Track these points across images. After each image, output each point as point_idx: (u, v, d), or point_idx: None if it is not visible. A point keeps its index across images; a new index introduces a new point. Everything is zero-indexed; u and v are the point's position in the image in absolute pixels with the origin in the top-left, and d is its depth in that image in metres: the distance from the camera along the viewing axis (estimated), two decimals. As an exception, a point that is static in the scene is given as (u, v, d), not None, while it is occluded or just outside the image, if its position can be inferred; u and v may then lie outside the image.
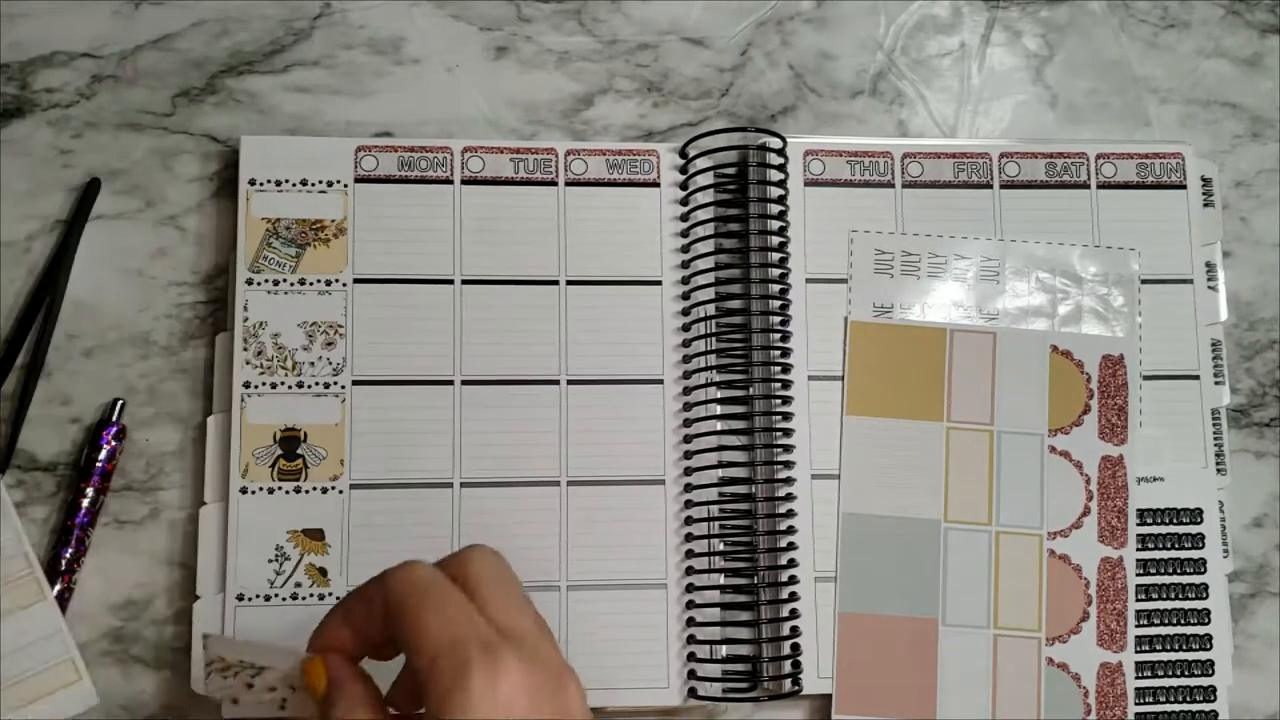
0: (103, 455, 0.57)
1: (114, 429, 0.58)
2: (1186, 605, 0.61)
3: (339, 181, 0.60)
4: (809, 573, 0.59)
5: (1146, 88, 0.67)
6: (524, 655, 0.43)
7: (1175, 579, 0.61)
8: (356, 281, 0.59)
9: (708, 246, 0.61)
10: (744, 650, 0.58)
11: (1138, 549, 0.61)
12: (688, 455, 0.59)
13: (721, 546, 0.59)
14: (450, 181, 0.61)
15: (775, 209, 0.61)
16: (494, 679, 0.42)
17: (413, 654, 0.44)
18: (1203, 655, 0.60)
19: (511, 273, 0.60)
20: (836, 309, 0.62)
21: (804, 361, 0.61)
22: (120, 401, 0.59)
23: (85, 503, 0.57)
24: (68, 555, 0.57)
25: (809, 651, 0.59)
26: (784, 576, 0.59)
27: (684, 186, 0.62)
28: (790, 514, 0.59)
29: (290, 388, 0.58)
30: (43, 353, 0.59)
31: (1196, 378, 0.63)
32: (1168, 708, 0.60)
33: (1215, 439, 0.62)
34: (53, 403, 0.59)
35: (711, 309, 0.60)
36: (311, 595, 0.57)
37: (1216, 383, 0.63)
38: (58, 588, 0.56)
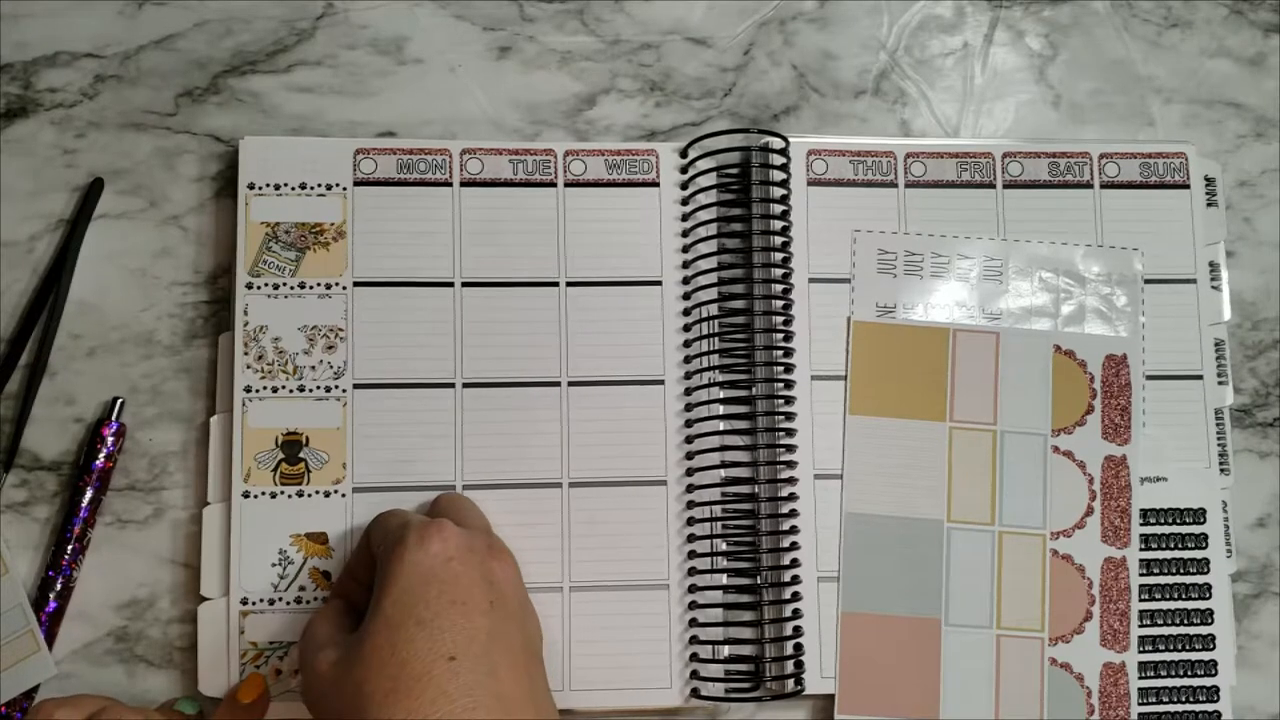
0: (102, 453, 0.58)
1: (114, 427, 0.58)
2: (1189, 605, 0.61)
3: (338, 185, 0.60)
4: (811, 573, 0.59)
5: (1150, 87, 0.67)
6: (460, 528, 0.51)
7: (1178, 579, 0.61)
8: (356, 285, 0.59)
9: (710, 246, 0.61)
10: (746, 650, 0.58)
11: (1141, 549, 0.61)
12: (690, 456, 0.59)
13: (724, 547, 0.59)
14: (449, 184, 0.61)
15: (778, 209, 0.61)
16: (425, 539, 0.49)
17: (374, 552, 0.52)
18: (1206, 655, 0.60)
19: (511, 274, 0.60)
20: (839, 309, 0.62)
21: (806, 361, 0.61)
22: (120, 400, 0.59)
23: (85, 500, 0.57)
24: (67, 552, 0.57)
25: (811, 651, 0.59)
26: (786, 576, 0.59)
27: (685, 186, 0.62)
28: (793, 514, 0.59)
29: (291, 391, 0.58)
30: (46, 352, 0.59)
31: (1200, 378, 0.63)
32: (1171, 708, 0.60)
33: (1218, 439, 0.62)
34: (56, 402, 0.59)
35: (714, 309, 0.60)
36: (316, 599, 0.57)
37: (1220, 382, 0.63)
38: (58, 585, 0.56)
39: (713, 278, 0.60)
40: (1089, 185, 0.64)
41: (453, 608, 0.47)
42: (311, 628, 0.52)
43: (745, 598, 0.59)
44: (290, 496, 0.58)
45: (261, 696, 0.54)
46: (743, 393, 0.60)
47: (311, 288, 0.59)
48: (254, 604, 0.57)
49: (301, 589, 0.57)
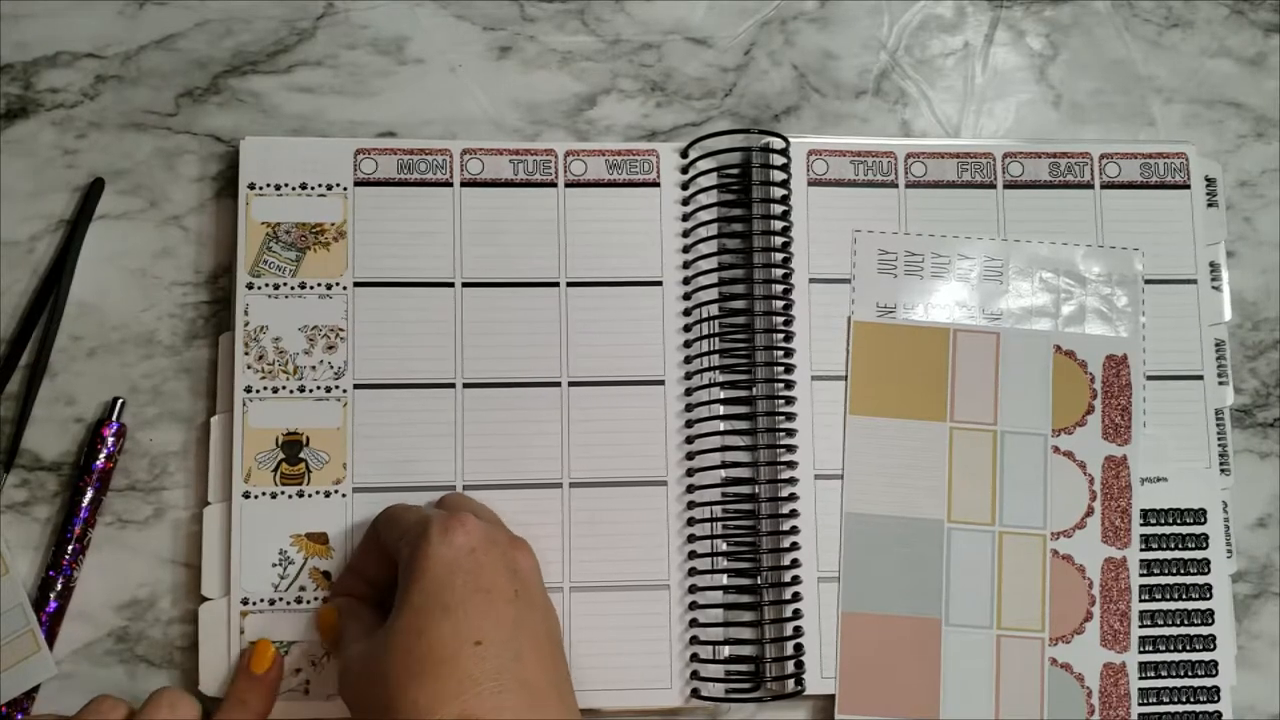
0: (103, 453, 0.58)
1: (114, 427, 0.58)
2: (1190, 606, 0.61)
3: (338, 185, 0.60)
4: (812, 573, 0.59)
5: (1150, 87, 0.67)
6: (481, 523, 0.51)
7: (1179, 579, 0.61)
8: (357, 285, 0.59)
9: (710, 247, 0.61)
10: (747, 650, 0.58)
11: (1141, 549, 0.61)
12: (690, 456, 0.59)
13: (724, 547, 0.59)
14: (450, 184, 0.61)
15: (778, 209, 0.61)
16: (449, 533, 0.49)
17: (391, 548, 0.52)
18: (1206, 656, 0.60)
19: (512, 275, 0.60)
20: (840, 309, 0.62)
21: (807, 361, 0.61)
22: (120, 400, 0.59)
23: (85, 500, 0.57)
24: (68, 552, 0.57)
25: (812, 652, 0.59)
26: (787, 577, 0.59)
27: (686, 186, 0.62)
28: (793, 514, 0.59)
29: (292, 392, 0.58)
30: (46, 353, 0.59)
31: (1200, 378, 0.63)
32: (1171, 708, 0.60)
33: (1219, 439, 0.62)
34: (57, 403, 0.59)
35: (714, 309, 0.60)
36: (316, 599, 0.57)
37: (1220, 383, 0.63)
38: (59, 585, 0.56)
39: (713, 278, 0.60)
40: (1089, 185, 0.64)
41: (478, 595, 0.48)
42: (342, 626, 0.53)
43: (745, 598, 0.59)
44: (291, 497, 0.58)
45: (275, 664, 0.54)
46: (743, 393, 0.60)
47: (312, 288, 0.59)
48: (254, 604, 0.57)
49: (302, 589, 0.57)
